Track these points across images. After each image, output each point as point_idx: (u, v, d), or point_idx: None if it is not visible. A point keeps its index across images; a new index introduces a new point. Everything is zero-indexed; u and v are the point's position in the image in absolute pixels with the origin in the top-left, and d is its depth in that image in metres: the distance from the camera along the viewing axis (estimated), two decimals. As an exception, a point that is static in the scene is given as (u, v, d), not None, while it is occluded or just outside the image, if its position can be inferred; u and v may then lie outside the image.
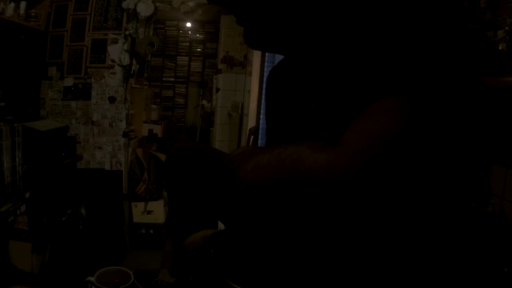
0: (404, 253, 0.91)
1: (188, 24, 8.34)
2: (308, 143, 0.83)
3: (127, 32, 4.37)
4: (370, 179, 0.73)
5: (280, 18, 0.98)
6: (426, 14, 0.82)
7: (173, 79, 8.54)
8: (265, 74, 4.48)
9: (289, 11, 0.96)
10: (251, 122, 4.87)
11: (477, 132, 0.85)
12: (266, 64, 4.59)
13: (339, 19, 0.92)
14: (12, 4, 3.51)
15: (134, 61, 4.52)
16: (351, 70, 0.89)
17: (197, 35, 8.49)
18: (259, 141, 4.21)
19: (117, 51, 4.37)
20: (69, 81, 4.39)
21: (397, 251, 0.91)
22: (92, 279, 1.98)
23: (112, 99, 4.41)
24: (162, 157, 4.85)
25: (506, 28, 1.92)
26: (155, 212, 4.65)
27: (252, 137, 4.35)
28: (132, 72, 4.54)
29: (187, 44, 8.47)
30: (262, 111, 4.46)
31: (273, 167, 0.84)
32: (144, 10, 4.40)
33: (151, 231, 4.66)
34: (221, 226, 1.45)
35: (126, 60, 4.38)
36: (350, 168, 0.74)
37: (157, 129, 5.61)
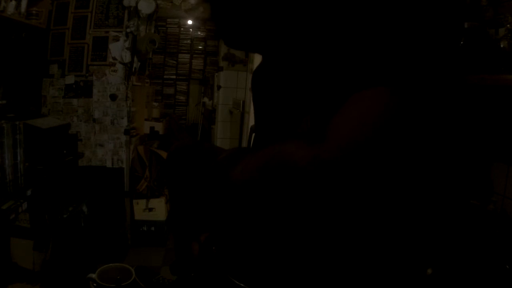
0: (401, 249, 0.92)
1: (190, 22, 8.32)
2: (291, 142, 0.86)
3: (128, 30, 4.37)
4: (353, 171, 0.77)
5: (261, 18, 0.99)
6: (413, 11, 0.82)
7: (174, 77, 8.52)
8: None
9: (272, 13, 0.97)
10: (252, 120, 4.87)
11: (465, 124, 0.87)
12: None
13: (322, 15, 0.93)
14: (13, 2, 3.51)
15: (135, 59, 4.52)
16: (334, 64, 0.90)
17: (199, 33, 8.47)
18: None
19: (118, 49, 4.38)
20: (70, 79, 4.40)
21: (393, 247, 0.91)
22: (93, 276, 1.98)
23: (113, 97, 4.41)
24: (164, 154, 4.84)
25: (508, 26, 1.92)
26: (156, 209, 4.65)
27: (253, 134, 4.36)
28: (133, 69, 4.54)
29: (189, 41, 8.46)
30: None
31: (261, 168, 0.86)
32: (146, 7, 4.40)
33: (153, 228, 4.66)
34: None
35: (127, 57, 4.38)
36: (334, 163, 0.78)
37: (159, 127, 5.60)
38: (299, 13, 0.95)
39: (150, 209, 4.64)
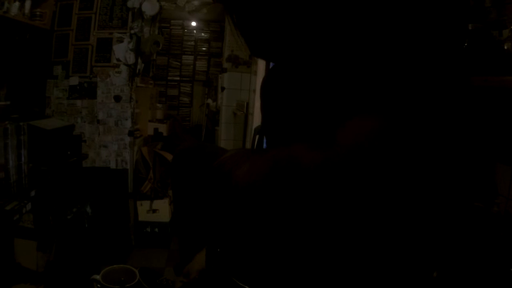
0: (401, 249, 0.92)
1: (193, 23, 8.34)
2: (299, 145, 0.87)
3: (132, 31, 4.38)
4: (361, 171, 0.80)
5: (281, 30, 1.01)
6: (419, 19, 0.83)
7: (178, 78, 8.54)
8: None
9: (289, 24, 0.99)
10: (256, 121, 4.87)
11: (469, 126, 0.89)
12: (271, 63, 4.60)
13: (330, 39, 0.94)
14: (17, 3, 3.52)
15: (139, 60, 4.53)
16: (339, 81, 0.91)
17: (202, 34, 8.48)
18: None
19: (122, 50, 4.38)
20: (74, 80, 4.41)
21: (397, 249, 0.91)
22: (98, 277, 1.98)
23: (117, 98, 4.42)
24: (168, 155, 4.85)
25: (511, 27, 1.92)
26: (160, 210, 4.66)
27: (257, 136, 4.36)
28: (137, 71, 4.54)
29: (192, 43, 8.47)
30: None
31: (269, 169, 0.86)
32: (149, 9, 4.40)
33: (156, 229, 4.66)
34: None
35: (131, 59, 4.39)
36: (343, 165, 0.80)
37: (163, 128, 5.61)
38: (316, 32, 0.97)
39: (154, 211, 4.65)
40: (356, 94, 0.85)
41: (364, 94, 0.83)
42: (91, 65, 4.42)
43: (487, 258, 1.71)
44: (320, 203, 0.85)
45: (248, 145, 5.14)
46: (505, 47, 1.91)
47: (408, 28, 0.82)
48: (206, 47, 8.54)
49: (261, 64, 4.85)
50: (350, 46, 0.89)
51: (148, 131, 5.36)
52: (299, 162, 0.83)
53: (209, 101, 7.69)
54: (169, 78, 8.52)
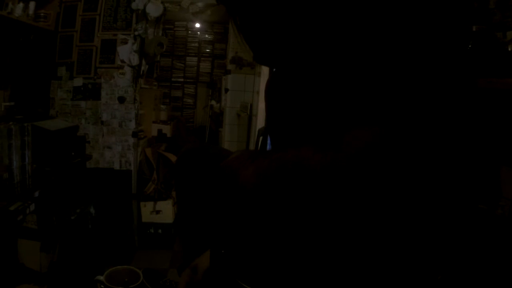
0: (406, 252, 0.92)
1: (197, 25, 8.34)
2: (306, 147, 0.87)
3: (136, 33, 4.38)
4: (369, 173, 0.80)
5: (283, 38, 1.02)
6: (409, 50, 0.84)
7: (182, 80, 8.54)
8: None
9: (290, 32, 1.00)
10: (260, 123, 4.87)
11: (473, 129, 0.89)
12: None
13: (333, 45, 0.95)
14: (21, 4, 3.53)
15: (143, 62, 4.54)
16: (344, 85, 0.91)
17: (206, 36, 8.48)
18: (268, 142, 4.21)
19: (126, 52, 4.39)
20: (78, 81, 4.42)
21: (398, 249, 0.91)
22: (101, 278, 1.98)
23: (121, 99, 4.42)
24: (171, 157, 4.85)
25: (516, 28, 1.92)
26: (163, 212, 4.66)
27: (261, 137, 4.36)
28: (141, 72, 4.55)
29: (196, 44, 8.48)
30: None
31: (276, 170, 0.87)
32: (153, 10, 4.41)
33: (160, 230, 4.67)
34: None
35: (135, 60, 4.39)
36: (352, 166, 0.80)
37: (166, 129, 5.61)
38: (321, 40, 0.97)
39: (158, 212, 4.65)
40: (362, 97, 0.85)
41: (370, 97, 0.83)
42: (95, 66, 4.43)
43: (491, 261, 1.70)
44: (327, 205, 0.85)
45: (251, 147, 5.14)
46: (509, 49, 1.90)
47: (411, 31, 0.82)
48: (210, 48, 8.54)
49: (265, 67, 4.85)
50: (353, 50, 0.89)
51: (152, 132, 5.37)
52: (306, 164, 0.83)
53: (213, 102, 7.69)
54: (173, 79, 8.52)
